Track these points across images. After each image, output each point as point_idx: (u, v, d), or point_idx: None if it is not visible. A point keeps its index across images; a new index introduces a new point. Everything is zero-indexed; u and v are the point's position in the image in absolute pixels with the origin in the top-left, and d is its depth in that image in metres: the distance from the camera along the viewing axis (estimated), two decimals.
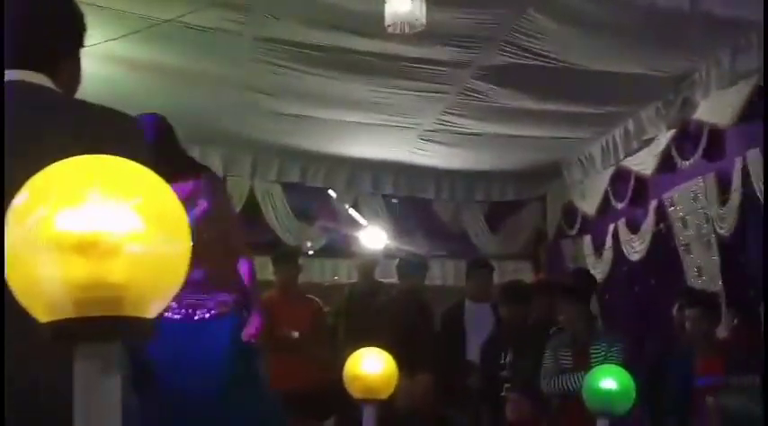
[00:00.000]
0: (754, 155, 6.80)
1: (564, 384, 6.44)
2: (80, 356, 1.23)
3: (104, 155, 1.30)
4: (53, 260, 1.20)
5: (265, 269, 10.36)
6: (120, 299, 1.22)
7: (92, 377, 1.23)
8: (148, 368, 3.37)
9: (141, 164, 1.29)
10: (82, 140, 1.88)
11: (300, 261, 8.39)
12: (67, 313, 1.22)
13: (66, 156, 1.30)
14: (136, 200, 1.23)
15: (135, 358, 2.13)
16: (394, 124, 8.72)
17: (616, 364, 5.04)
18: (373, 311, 7.78)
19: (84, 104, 2.17)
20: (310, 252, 10.40)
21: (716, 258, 7.37)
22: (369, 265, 8.19)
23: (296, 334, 7.49)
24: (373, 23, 5.88)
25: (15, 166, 1.53)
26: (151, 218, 1.24)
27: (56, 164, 1.28)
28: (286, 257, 8.14)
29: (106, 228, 1.21)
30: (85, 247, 1.20)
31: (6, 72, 2.13)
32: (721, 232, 7.24)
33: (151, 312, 1.26)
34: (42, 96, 2.15)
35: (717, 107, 7.09)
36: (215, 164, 10.01)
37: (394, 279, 8.45)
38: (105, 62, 6.95)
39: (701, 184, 7.53)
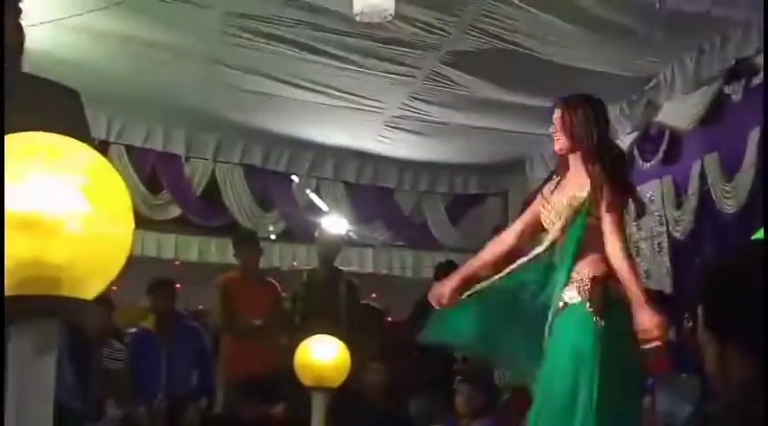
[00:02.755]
0: (712, 159, 6.90)
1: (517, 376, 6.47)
2: (16, 334, 1.22)
3: (51, 133, 1.29)
4: None
5: (225, 251, 10.39)
6: (58, 279, 1.20)
7: (27, 356, 1.22)
8: None
9: (86, 143, 1.28)
10: (30, 115, 1.86)
11: (261, 244, 8.37)
12: (7, 290, 1.21)
13: (13, 130, 1.28)
14: (80, 180, 1.22)
15: None
16: (359, 107, 8.69)
17: None
18: (331, 298, 7.78)
19: (31, 78, 2.15)
20: (272, 237, 10.37)
21: (666, 260, 7.47)
22: (330, 252, 8.17)
23: (258, 322, 7.48)
24: (343, 3, 5.86)
25: None
26: (95, 199, 1.23)
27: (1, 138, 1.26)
28: (248, 239, 8.12)
29: (48, 207, 1.19)
30: (27, 225, 1.19)
31: None
32: (676, 234, 7.33)
33: (90, 293, 1.25)
34: None
35: (679, 111, 7.16)
36: (178, 143, 9.98)
37: (355, 267, 8.44)
38: (76, 34, 6.90)
39: (659, 186, 7.60)
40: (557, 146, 4.26)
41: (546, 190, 4.33)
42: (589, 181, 4.07)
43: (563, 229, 4.09)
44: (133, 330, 7.82)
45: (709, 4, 5.73)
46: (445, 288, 4.30)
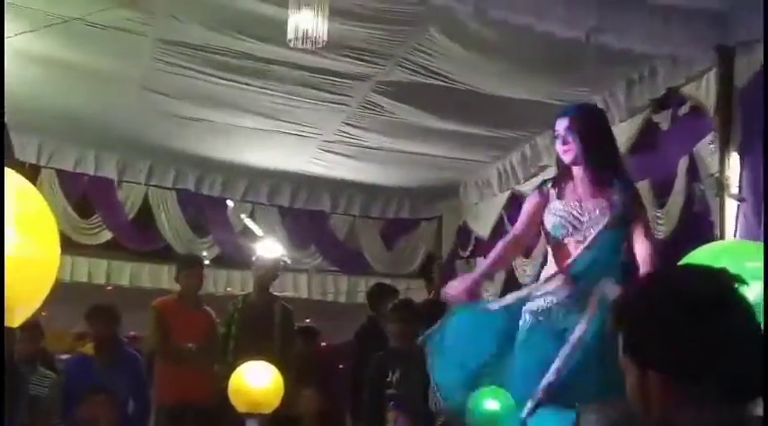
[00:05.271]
0: (644, 186, 7.02)
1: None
2: None
3: None
4: None
5: (158, 276, 10.29)
6: None
7: None
8: None
9: (11, 167, 1.27)
10: None
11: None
12: None
13: None
14: (5, 207, 1.20)
15: None
16: (294, 132, 8.70)
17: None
18: (265, 324, 7.74)
19: None
20: (206, 262, 10.31)
21: None
22: (266, 277, 8.13)
23: (193, 346, 7.41)
24: (277, 31, 5.88)
25: None
26: (21, 226, 1.22)
27: None
28: (193, 264, 8.03)
29: None
30: None
31: None
32: None
33: (15, 320, 1.23)
34: None
35: None
36: (110, 167, 9.89)
37: (289, 293, 8.41)
38: (7, 58, 6.80)
39: None
40: (567, 157, 4.29)
41: (545, 195, 4.39)
42: (609, 195, 4.22)
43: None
44: (64, 356, 7.70)
45: (633, 42, 5.87)
46: (463, 286, 4.34)
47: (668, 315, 1.71)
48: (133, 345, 8.04)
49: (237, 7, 6.23)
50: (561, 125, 4.30)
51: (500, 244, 4.55)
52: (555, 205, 4.32)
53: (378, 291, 8.53)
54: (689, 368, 1.68)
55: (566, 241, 4.29)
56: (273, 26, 6.05)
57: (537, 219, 4.40)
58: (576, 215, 4.24)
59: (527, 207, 4.49)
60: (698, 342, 1.67)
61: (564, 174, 4.38)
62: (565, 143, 4.27)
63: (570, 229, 4.25)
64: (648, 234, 4.31)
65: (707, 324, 1.67)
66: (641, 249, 4.21)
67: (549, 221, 4.31)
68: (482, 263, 4.66)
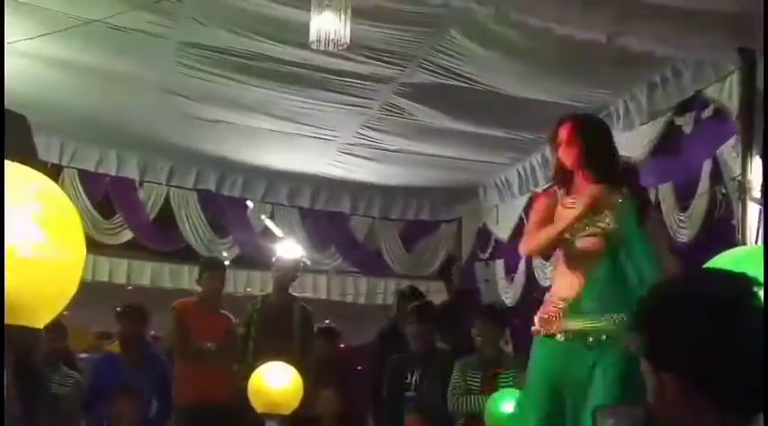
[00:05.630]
0: (666, 189, 7.00)
1: (470, 405, 6.51)
2: None
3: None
4: None
5: (178, 276, 10.33)
6: (9, 307, 1.20)
7: None
8: None
9: (33, 167, 1.28)
10: None
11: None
12: None
13: None
14: (31, 208, 1.21)
15: None
16: (314, 135, 8.71)
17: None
18: (284, 325, 7.75)
19: None
20: (226, 263, 10.33)
21: None
22: (286, 278, 8.14)
23: (212, 346, 7.42)
24: (298, 34, 5.89)
25: None
26: (47, 226, 1.23)
27: None
28: (216, 267, 8.00)
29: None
30: None
31: None
32: None
33: (40, 321, 1.25)
34: None
35: (631, 142, 7.25)
36: (132, 168, 9.93)
37: (309, 294, 8.41)
38: (28, 59, 6.85)
39: None
40: (569, 160, 4.28)
41: (553, 195, 4.39)
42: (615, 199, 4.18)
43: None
44: (83, 355, 7.73)
45: (654, 45, 5.86)
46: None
47: (685, 318, 1.71)
48: (156, 345, 8.07)
49: (258, 10, 6.24)
50: (564, 130, 4.31)
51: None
52: (568, 201, 4.31)
53: (409, 293, 8.49)
54: (705, 371, 1.67)
55: (576, 239, 4.23)
56: (294, 28, 6.07)
57: (550, 217, 4.35)
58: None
59: (538, 206, 4.48)
60: (714, 346, 1.66)
61: (567, 179, 4.36)
62: (568, 146, 4.27)
63: (580, 225, 4.23)
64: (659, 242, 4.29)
65: (724, 329, 1.67)
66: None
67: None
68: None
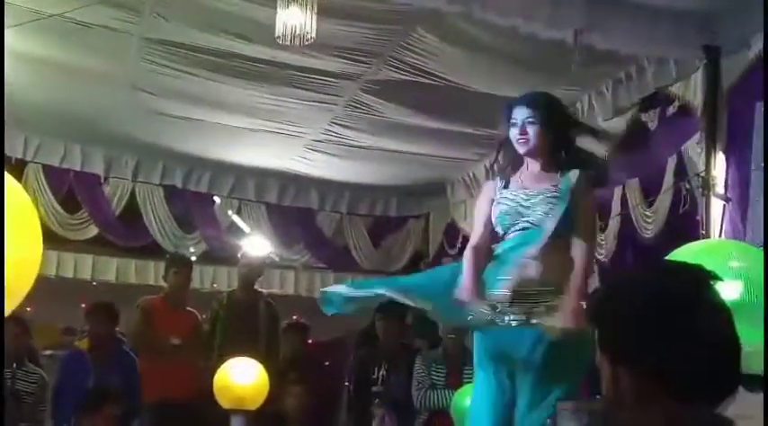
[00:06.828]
0: (633, 185, 7.05)
1: (435, 400, 6.53)
2: None
3: None
4: None
5: (144, 272, 10.27)
6: None
7: None
8: None
9: None
10: None
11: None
12: None
13: None
14: None
15: None
16: (281, 132, 8.71)
17: None
18: (250, 321, 7.74)
19: None
20: (193, 258, 10.29)
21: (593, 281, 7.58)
22: (252, 274, 8.12)
23: (177, 341, 7.41)
24: (264, 31, 5.88)
25: None
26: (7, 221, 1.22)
27: None
28: (182, 264, 7.98)
29: None
30: None
31: None
32: (600, 257, 7.45)
33: None
34: None
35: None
36: (97, 163, 9.87)
37: (276, 289, 8.39)
38: None
39: None
40: (528, 146, 4.05)
41: (492, 189, 4.19)
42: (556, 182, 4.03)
43: None
44: (48, 352, 7.67)
45: (620, 42, 5.89)
46: (469, 283, 4.02)
47: (638, 312, 1.72)
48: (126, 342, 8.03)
49: (223, 7, 6.23)
50: (520, 114, 4.07)
51: (470, 253, 4.16)
52: (502, 194, 4.10)
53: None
54: (658, 365, 1.68)
55: (510, 231, 4.07)
56: (260, 25, 6.06)
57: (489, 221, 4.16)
58: (521, 202, 4.03)
59: (482, 206, 4.24)
60: (667, 340, 1.67)
61: (514, 163, 4.18)
62: (522, 133, 4.04)
63: (516, 217, 4.03)
64: (588, 230, 4.05)
65: (677, 322, 1.68)
66: (576, 249, 3.99)
67: (496, 211, 4.09)
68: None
